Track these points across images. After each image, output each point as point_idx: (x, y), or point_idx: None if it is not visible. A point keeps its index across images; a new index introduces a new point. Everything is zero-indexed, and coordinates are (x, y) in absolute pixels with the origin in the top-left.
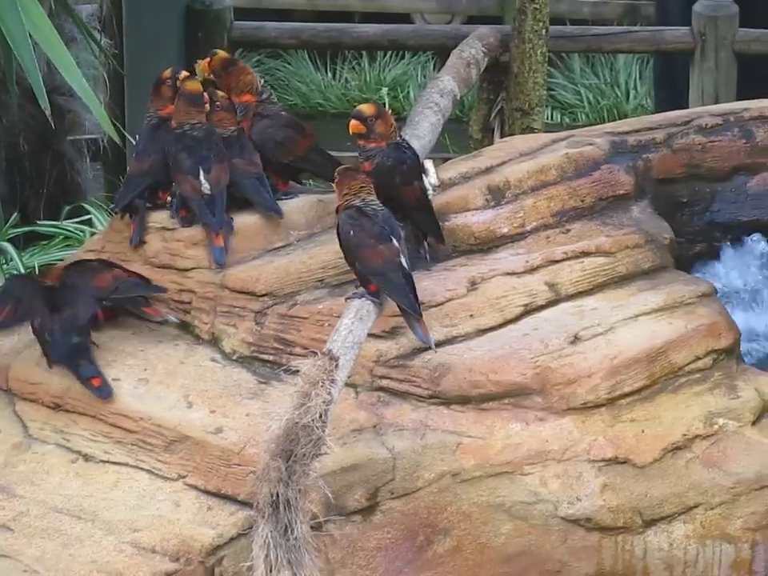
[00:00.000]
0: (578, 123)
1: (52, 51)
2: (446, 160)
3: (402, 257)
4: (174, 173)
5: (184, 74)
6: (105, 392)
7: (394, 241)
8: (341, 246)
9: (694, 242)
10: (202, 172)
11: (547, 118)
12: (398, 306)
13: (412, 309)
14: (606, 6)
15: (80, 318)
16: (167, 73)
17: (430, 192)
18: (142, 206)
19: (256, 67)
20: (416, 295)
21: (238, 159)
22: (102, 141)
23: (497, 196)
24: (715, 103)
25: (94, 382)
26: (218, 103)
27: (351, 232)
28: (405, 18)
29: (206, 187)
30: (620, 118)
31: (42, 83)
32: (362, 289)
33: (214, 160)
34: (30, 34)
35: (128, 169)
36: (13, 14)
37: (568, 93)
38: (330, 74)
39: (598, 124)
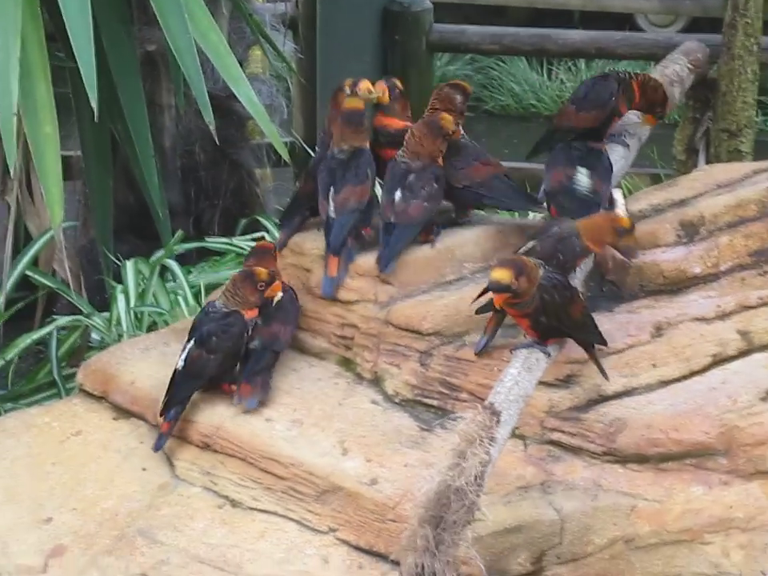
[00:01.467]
0: None
1: (219, 62)
2: (652, 176)
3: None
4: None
5: (364, 84)
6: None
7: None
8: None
9: None
10: (332, 193)
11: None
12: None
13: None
14: None
15: None
16: (348, 82)
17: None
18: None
19: (468, 65)
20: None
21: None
22: (288, 145)
23: (690, 232)
24: None
25: None
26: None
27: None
28: (626, 18)
29: (330, 210)
30: None
31: (207, 95)
32: (530, 338)
33: (347, 182)
34: (195, 42)
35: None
36: (179, 21)
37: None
38: (545, 75)
39: None
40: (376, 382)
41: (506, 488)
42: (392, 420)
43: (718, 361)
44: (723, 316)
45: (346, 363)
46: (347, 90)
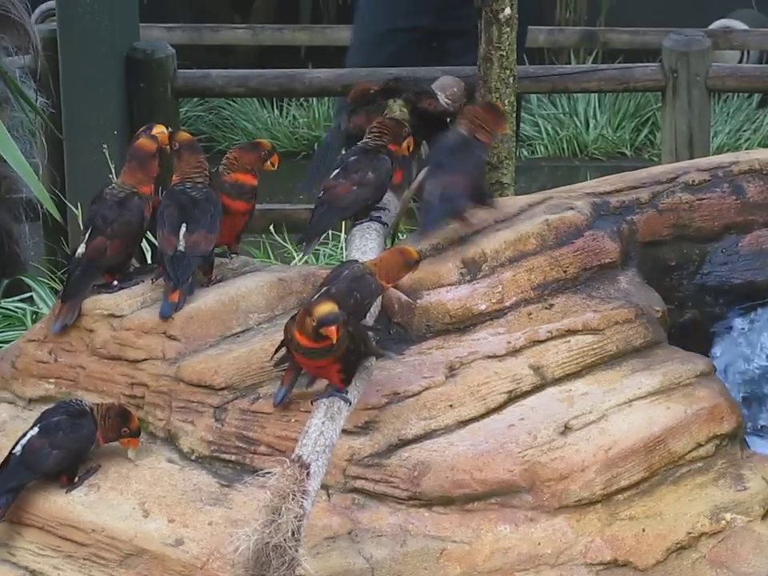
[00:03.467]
0: (537, 156)
1: None
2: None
3: None
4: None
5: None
6: None
7: None
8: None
9: (684, 308)
10: (183, 231)
11: None
12: None
13: None
14: (562, 33)
15: None
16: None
17: None
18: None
19: (199, 106)
20: None
21: None
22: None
23: (472, 269)
24: (689, 143)
25: None
26: None
27: None
28: None
29: (181, 245)
30: (580, 150)
31: None
32: (330, 386)
33: (201, 227)
34: None
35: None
36: None
37: (526, 125)
38: (276, 111)
39: (557, 156)
40: (170, 440)
41: (314, 539)
42: (191, 478)
43: (514, 397)
44: (515, 352)
45: (138, 423)
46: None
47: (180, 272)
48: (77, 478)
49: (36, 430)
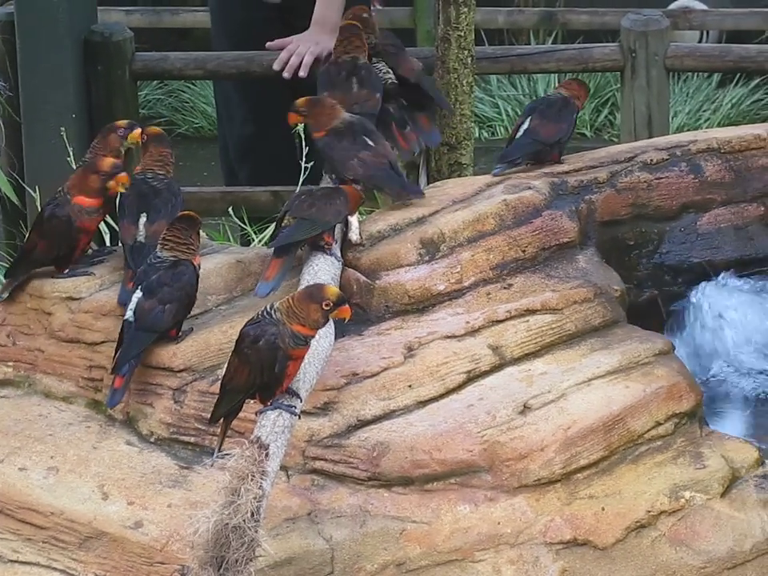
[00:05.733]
0: (497, 137)
1: None
2: None
3: None
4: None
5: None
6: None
7: None
8: None
9: (643, 287)
10: (143, 220)
11: None
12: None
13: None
14: (522, 14)
15: None
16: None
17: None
18: None
19: (159, 89)
20: None
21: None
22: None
23: (431, 250)
24: (648, 123)
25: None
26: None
27: None
28: None
29: (140, 235)
30: None
31: None
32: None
33: (162, 217)
34: None
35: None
36: None
37: (486, 106)
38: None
39: None
40: (129, 422)
41: (273, 521)
42: (150, 460)
43: (473, 377)
44: (473, 332)
45: (96, 406)
46: (121, 133)
47: (140, 261)
48: (180, 333)
49: (140, 292)
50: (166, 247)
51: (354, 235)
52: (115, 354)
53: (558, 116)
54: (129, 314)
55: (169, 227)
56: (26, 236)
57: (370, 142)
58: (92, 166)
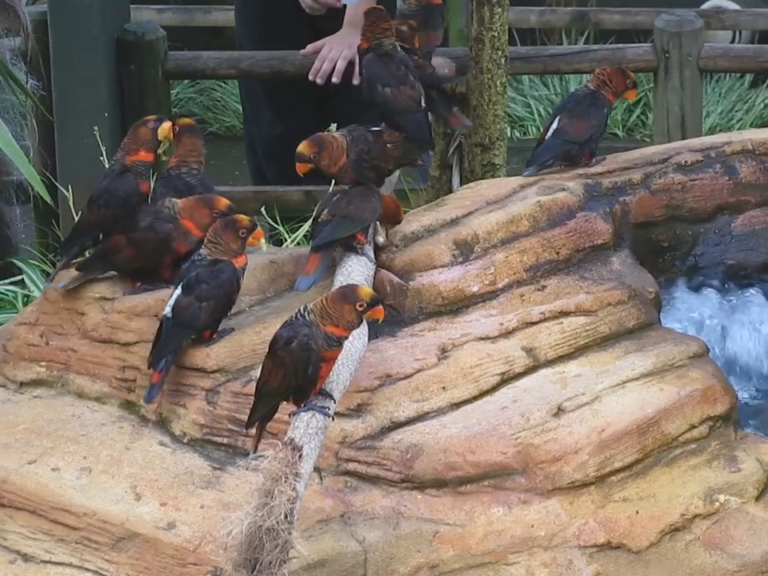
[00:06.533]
0: (529, 137)
1: None
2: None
3: None
4: None
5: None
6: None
7: None
8: None
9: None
10: None
11: None
12: None
13: None
14: (554, 13)
15: None
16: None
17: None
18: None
19: (190, 87)
20: None
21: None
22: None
23: (465, 251)
24: (681, 124)
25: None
26: None
27: None
28: None
29: None
30: None
31: None
32: (315, 401)
33: None
34: None
35: None
36: None
37: (518, 105)
38: None
39: None
40: (162, 423)
41: (306, 522)
42: (183, 461)
43: (507, 379)
44: (507, 334)
45: (129, 406)
46: (151, 126)
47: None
48: (215, 335)
49: (179, 289)
50: (208, 246)
51: (380, 237)
52: (152, 350)
53: (587, 113)
54: (167, 310)
55: (212, 227)
56: (105, 235)
57: None
58: (209, 201)
